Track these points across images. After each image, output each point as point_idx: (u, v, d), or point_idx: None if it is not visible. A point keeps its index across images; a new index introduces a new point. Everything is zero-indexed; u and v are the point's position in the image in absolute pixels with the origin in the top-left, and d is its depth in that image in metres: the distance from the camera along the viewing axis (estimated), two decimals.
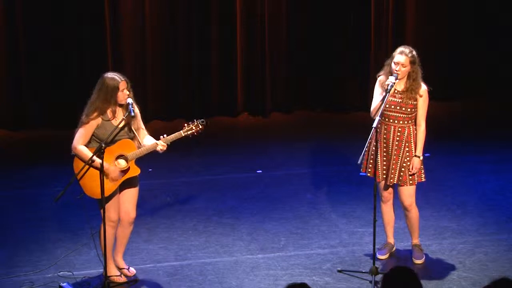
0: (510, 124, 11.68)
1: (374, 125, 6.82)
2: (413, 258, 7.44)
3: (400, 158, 7.19)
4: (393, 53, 7.17)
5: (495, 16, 12.66)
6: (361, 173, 7.48)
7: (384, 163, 7.24)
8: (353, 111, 12.32)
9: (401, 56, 7.11)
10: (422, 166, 7.28)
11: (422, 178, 7.31)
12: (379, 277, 6.91)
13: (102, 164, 6.56)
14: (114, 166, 6.76)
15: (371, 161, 7.26)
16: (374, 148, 7.20)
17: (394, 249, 7.60)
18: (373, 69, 12.26)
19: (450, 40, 12.68)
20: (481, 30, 12.68)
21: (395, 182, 7.25)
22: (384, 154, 7.22)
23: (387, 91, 7.02)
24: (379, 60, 12.13)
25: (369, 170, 7.30)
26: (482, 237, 7.94)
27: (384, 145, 7.22)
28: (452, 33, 12.65)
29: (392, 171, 7.20)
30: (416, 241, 7.50)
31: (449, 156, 10.13)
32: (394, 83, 7.05)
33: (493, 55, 12.72)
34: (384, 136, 7.21)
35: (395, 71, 7.08)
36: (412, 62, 7.11)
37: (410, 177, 7.21)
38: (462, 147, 10.69)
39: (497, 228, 8.14)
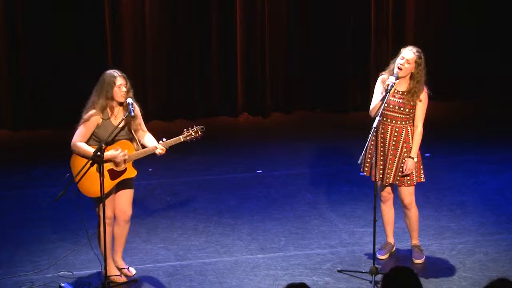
0: (510, 124, 11.68)
1: (374, 125, 6.82)
2: (413, 258, 7.44)
3: (396, 158, 7.18)
4: (401, 50, 7.18)
5: (495, 16, 12.65)
6: (361, 173, 7.48)
7: (381, 162, 7.23)
8: (353, 111, 12.32)
9: (409, 52, 7.11)
10: (421, 167, 7.28)
11: (422, 179, 7.30)
12: (379, 277, 6.91)
13: (102, 167, 6.56)
14: (121, 153, 6.75)
15: (368, 160, 7.27)
16: (372, 147, 7.21)
17: (394, 249, 7.60)
18: (373, 69, 12.26)
19: (450, 40, 12.67)
20: (481, 30, 12.67)
21: (390, 182, 7.25)
22: (381, 153, 7.22)
23: (387, 91, 7.02)
24: (379, 60, 12.17)
25: (366, 169, 7.32)
26: (482, 237, 7.94)
27: (381, 144, 7.22)
28: (452, 33, 12.64)
29: (388, 171, 7.20)
30: (415, 241, 7.49)
31: (449, 156, 10.12)
32: (394, 83, 7.05)
33: (493, 55, 12.71)
34: (382, 136, 7.20)
35: (399, 66, 7.07)
36: (417, 62, 7.10)
37: (408, 178, 7.21)
38: (462, 147, 10.69)
39: (497, 228, 8.14)
